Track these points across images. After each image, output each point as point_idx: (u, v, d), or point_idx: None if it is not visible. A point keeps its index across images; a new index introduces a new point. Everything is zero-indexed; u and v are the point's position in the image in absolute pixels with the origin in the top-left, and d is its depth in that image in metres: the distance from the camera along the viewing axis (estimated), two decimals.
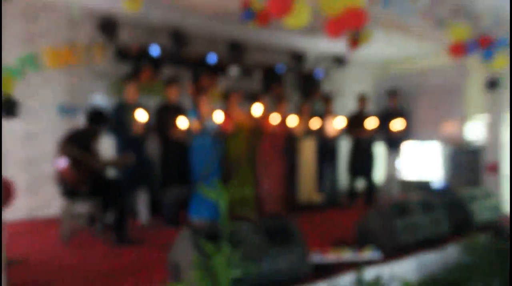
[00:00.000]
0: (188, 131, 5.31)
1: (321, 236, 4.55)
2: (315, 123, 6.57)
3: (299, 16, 3.79)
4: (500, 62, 5.49)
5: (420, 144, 7.95)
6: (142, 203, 5.45)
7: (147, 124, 5.29)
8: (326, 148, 6.84)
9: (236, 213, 2.53)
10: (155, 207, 5.59)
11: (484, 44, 5.35)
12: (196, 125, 5.32)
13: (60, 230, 4.58)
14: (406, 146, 7.54)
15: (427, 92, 7.94)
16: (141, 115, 5.18)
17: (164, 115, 5.41)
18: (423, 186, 7.45)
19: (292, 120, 6.23)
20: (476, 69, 6.99)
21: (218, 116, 5.40)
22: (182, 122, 5.24)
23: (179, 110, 5.47)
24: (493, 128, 6.40)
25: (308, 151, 6.60)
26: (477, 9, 5.57)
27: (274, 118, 5.98)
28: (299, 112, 6.55)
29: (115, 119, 5.26)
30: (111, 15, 6.08)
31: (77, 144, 4.43)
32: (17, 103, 2.10)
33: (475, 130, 7.42)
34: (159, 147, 5.62)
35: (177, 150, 5.43)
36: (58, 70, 5.83)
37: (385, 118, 7.04)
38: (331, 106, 7.06)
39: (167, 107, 5.55)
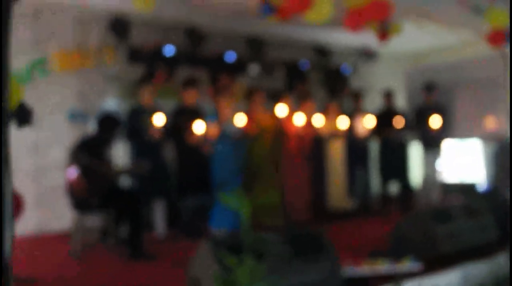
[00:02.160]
0: (206, 136, 5.29)
1: (353, 246, 4.46)
2: (343, 123, 6.51)
3: (321, 10, 3.75)
4: None
5: (461, 142, 7.78)
6: (158, 213, 5.44)
7: (164, 129, 5.30)
8: (357, 149, 6.80)
9: (260, 222, 2.49)
10: (172, 218, 5.57)
11: None
12: (216, 129, 5.32)
13: (70, 245, 4.58)
14: (445, 145, 7.41)
15: (466, 86, 7.79)
16: (158, 120, 5.19)
17: (180, 120, 5.42)
18: (466, 189, 7.28)
19: (319, 120, 6.18)
20: None
21: (240, 119, 5.40)
22: (199, 127, 5.23)
23: (197, 114, 5.46)
24: None
25: (336, 154, 6.57)
26: None
27: (299, 119, 5.94)
28: (325, 112, 6.51)
29: (129, 125, 5.29)
30: (122, 14, 6.10)
31: (89, 152, 4.43)
32: (31, 110, 2.09)
33: None
34: (175, 154, 5.62)
35: (195, 156, 5.42)
36: (68, 75, 5.87)
37: (421, 115, 6.98)
38: (361, 104, 7.02)
39: (183, 110, 5.56)
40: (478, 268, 3.89)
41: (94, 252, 4.69)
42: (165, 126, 5.31)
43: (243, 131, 5.57)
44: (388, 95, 7.07)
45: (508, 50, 6.63)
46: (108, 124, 4.68)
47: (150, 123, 5.23)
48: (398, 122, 6.75)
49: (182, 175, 5.52)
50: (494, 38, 5.24)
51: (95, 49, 6.09)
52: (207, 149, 5.39)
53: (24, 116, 2.17)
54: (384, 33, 5.84)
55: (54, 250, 4.93)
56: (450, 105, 7.54)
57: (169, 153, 5.69)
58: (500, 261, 4.04)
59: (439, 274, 3.65)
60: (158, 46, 6.53)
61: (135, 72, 6.27)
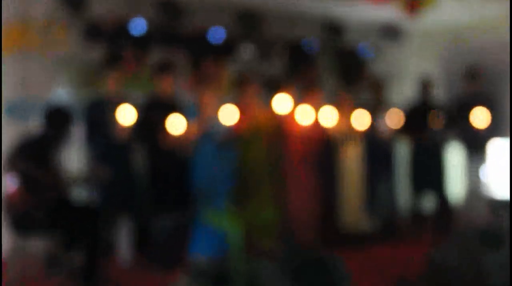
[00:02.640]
0: (185, 136, 5.32)
1: (375, 277, 4.51)
2: (361, 120, 6.52)
3: None
4: None
5: None
6: (123, 235, 5.48)
7: (133, 127, 5.31)
8: (378, 154, 6.83)
9: (254, 245, 2.49)
10: (141, 241, 5.59)
11: None
12: (195, 128, 5.36)
13: (6, 275, 4.50)
14: (494, 147, 7.41)
15: None
16: (127, 114, 5.20)
17: (153, 115, 5.45)
18: None
19: (329, 117, 6.18)
20: None
21: (229, 115, 5.41)
22: (177, 125, 5.23)
23: (174, 108, 5.49)
24: None
25: (352, 159, 6.61)
26: None
27: (304, 114, 5.94)
28: (338, 106, 6.50)
29: (88, 122, 5.34)
30: None
31: (32, 156, 4.43)
32: None
33: None
34: (146, 158, 5.66)
35: (172, 161, 5.47)
36: (6, 57, 5.78)
37: (462, 109, 7.02)
38: (384, 96, 7.06)
39: (157, 103, 5.61)
40: None
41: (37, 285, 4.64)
42: (134, 124, 5.32)
43: (232, 131, 5.58)
44: (426, 85, 7.10)
45: None
46: (58, 121, 4.69)
47: (114, 119, 5.22)
48: (435, 119, 6.78)
49: (154, 185, 5.55)
50: None
51: (41, 23, 6.07)
52: (187, 152, 5.44)
53: None
54: (413, 5, 5.87)
55: None
56: (499, 96, 7.54)
57: (138, 157, 5.71)
58: None
59: None
60: (125, 20, 6.56)
61: (92, 55, 6.27)
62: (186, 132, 5.31)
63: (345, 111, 6.48)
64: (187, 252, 5.32)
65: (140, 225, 5.60)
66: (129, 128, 5.27)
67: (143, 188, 5.63)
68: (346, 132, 6.49)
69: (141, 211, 5.58)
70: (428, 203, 7.20)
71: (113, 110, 5.24)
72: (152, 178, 5.56)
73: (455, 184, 7.50)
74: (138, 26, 6.62)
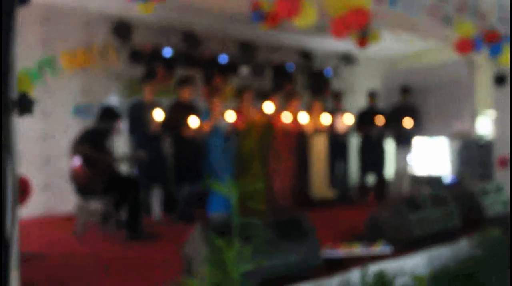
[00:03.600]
0: (200, 130, 5.32)
1: (332, 231, 4.47)
2: (325, 119, 6.52)
3: (307, 16, 3.78)
4: (507, 57, 5.35)
5: (430, 140, 7.83)
6: (155, 199, 5.44)
7: (162, 123, 5.30)
8: (337, 144, 6.79)
9: (246, 207, 2.50)
10: (168, 204, 5.57)
11: (490, 40, 5.23)
12: (207, 125, 5.36)
13: (74, 226, 4.57)
14: (416, 142, 7.45)
15: (436, 88, 7.79)
16: (158, 114, 5.22)
17: (176, 113, 5.41)
18: (434, 181, 7.32)
19: (303, 118, 6.20)
20: (484, 65, 6.85)
21: (230, 116, 5.44)
22: (194, 121, 5.24)
23: (191, 109, 5.47)
24: (503, 122, 6.25)
25: (319, 147, 6.54)
26: (482, 6, 5.47)
27: (286, 116, 5.98)
28: (310, 110, 6.52)
29: (131, 119, 5.31)
30: (125, 18, 6.06)
31: (90, 143, 4.41)
32: (32, 100, 2.07)
33: (485, 125, 7.27)
34: (173, 145, 5.61)
35: (190, 147, 5.43)
36: (74, 72, 5.76)
37: (396, 114, 6.99)
38: (341, 104, 7.02)
39: (179, 105, 5.55)
40: (442, 251, 3.92)
41: (96, 233, 4.66)
42: (163, 120, 5.30)
43: (234, 127, 5.57)
44: (372, 95, 7.07)
45: (474, 57, 6.70)
46: (107, 116, 4.66)
47: (150, 117, 5.24)
48: (379, 120, 6.75)
49: (179, 165, 5.49)
50: (462, 46, 5.25)
51: (99, 49, 5.97)
52: (201, 141, 5.42)
53: (25, 105, 2.15)
54: (363, 40, 5.84)
55: (60, 230, 4.90)
56: (422, 106, 7.56)
57: (167, 144, 5.67)
58: (462, 244, 4.07)
59: (408, 256, 3.67)
60: (157, 47, 6.50)
61: (135, 71, 6.25)
62: (200, 127, 5.30)
63: (315, 114, 6.46)
64: (202, 211, 5.35)
65: (167, 193, 5.56)
66: (159, 123, 5.26)
67: (170, 167, 5.58)
68: (316, 128, 6.45)
69: (169, 183, 5.55)
70: (370, 179, 7.23)
71: (148, 111, 5.26)
72: (176, 159, 5.50)
73: (390, 166, 7.50)
74: (167, 51, 6.55)
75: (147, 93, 5.54)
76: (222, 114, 5.45)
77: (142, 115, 5.30)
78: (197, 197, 5.44)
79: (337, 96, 7.03)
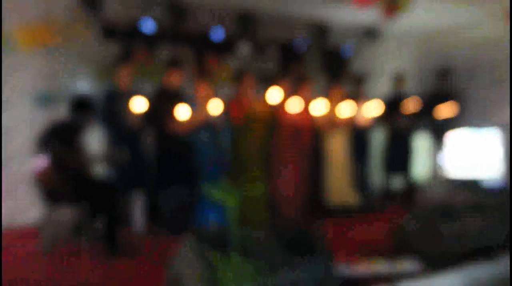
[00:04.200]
0: (190, 124, 5.40)
1: (350, 244, 4.60)
2: (347, 110, 6.59)
3: None
4: None
5: (475, 132, 7.78)
6: (137, 207, 5.53)
7: (144, 114, 5.36)
8: (360, 140, 6.90)
9: (248, 217, 2.59)
10: (152, 212, 5.67)
11: None
12: (198, 116, 5.43)
13: (40, 240, 4.62)
14: (456, 135, 7.50)
15: (485, 70, 7.83)
16: (138, 104, 5.26)
17: (161, 104, 5.48)
18: (475, 185, 7.37)
19: (317, 108, 6.26)
20: None
21: (215, 107, 5.49)
22: (182, 113, 5.32)
23: (179, 98, 5.54)
24: None
25: (338, 144, 6.66)
26: None
27: (295, 105, 6.00)
28: (327, 98, 6.59)
29: (105, 110, 5.34)
30: None
31: (59, 139, 4.49)
32: None
33: None
34: (156, 142, 5.69)
35: (178, 144, 5.52)
36: (33, 52, 5.88)
37: (433, 102, 7.05)
38: (364, 90, 7.09)
39: (165, 93, 5.61)
40: (482, 270, 4.05)
41: (66, 248, 4.69)
42: (144, 112, 5.37)
43: (229, 118, 5.68)
44: (399, 80, 7.14)
45: None
46: (81, 108, 4.73)
47: (128, 108, 5.28)
48: (408, 108, 6.80)
49: (163, 165, 5.57)
50: None
51: (64, 23, 6.07)
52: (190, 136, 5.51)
53: None
54: (390, 8, 5.88)
55: (22, 245, 4.96)
56: (465, 92, 7.59)
57: (149, 140, 5.75)
58: (505, 264, 4.20)
59: (440, 275, 3.80)
60: (136, 21, 6.55)
61: (110, 51, 6.31)
62: (190, 119, 5.35)
63: (333, 103, 6.52)
64: (191, 220, 5.41)
65: (151, 199, 5.61)
66: (140, 115, 5.30)
67: (153, 167, 5.64)
68: (334, 121, 6.51)
69: (151, 186, 5.61)
70: (397, 182, 7.28)
71: (127, 100, 5.28)
72: (161, 158, 5.56)
73: (421, 166, 7.53)
74: (148, 25, 6.58)
75: (123, 78, 5.56)
76: (215, 103, 5.51)
77: (118, 105, 5.35)
78: (186, 203, 5.53)
79: (359, 81, 7.10)
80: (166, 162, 5.57)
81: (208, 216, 5.40)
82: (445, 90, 7.27)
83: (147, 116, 5.45)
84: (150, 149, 5.75)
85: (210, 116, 5.51)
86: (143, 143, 5.68)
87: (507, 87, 7.42)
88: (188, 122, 5.40)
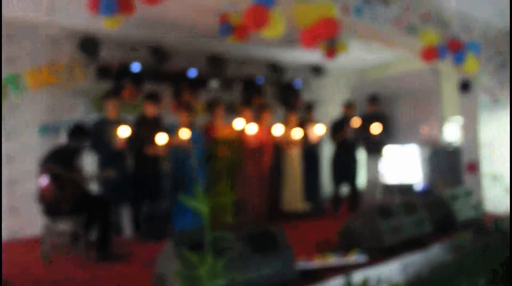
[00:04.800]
0: (166, 146, 5.29)
1: (306, 243, 4.48)
2: (299, 132, 6.53)
3: (275, 27, 3.82)
4: (470, 65, 5.50)
5: (400, 148, 7.94)
6: (126, 217, 5.36)
7: (128, 139, 5.22)
8: (311, 155, 6.78)
9: (217, 221, 2.46)
10: (137, 222, 5.47)
11: (454, 49, 5.37)
12: (177, 139, 5.34)
13: (41, 249, 4.44)
14: (387, 150, 7.53)
15: (404, 97, 7.93)
16: (123, 131, 5.13)
17: (140, 129, 5.36)
18: (405, 189, 7.42)
19: (277, 130, 6.22)
20: (449, 73, 7.03)
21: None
22: (161, 138, 5.20)
23: (156, 124, 5.45)
24: (469, 128, 6.42)
25: (293, 160, 6.54)
26: (445, 15, 5.63)
27: (251, 129, 5.93)
28: (285, 123, 6.55)
29: (95, 136, 5.16)
30: (91, 34, 5.99)
31: (59, 161, 4.34)
32: None
33: (452, 132, 7.44)
34: (132, 161, 5.52)
35: (149, 163, 5.40)
36: (39, 90, 5.70)
37: (365, 123, 7.02)
38: (313, 115, 7.03)
39: (144, 120, 5.50)
40: (415, 258, 3.98)
41: (64, 255, 4.55)
42: (128, 137, 5.23)
43: (203, 141, 5.58)
44: (349, 105, 7.10)
45: (440, 65, 6.86)
46: (78, 134, 4.57)
47: (114, 134, 5.15)
48: (356, 122, 6.79)
49: (138, 182, 5.39)
50: (427, 54, 5.37)
51: (65, 66, 5.94)
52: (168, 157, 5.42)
53: None
54: (331, 51, 5.90)
55: (27, 254, 4.77)
56: (391, 115, 7.65)
57: (131, 161, 5.59)
58: (434, 250, 4.14)
59: (383, 264, 3.71)
60: (125, 63, 6.45)
61: (103, 88, 6.16)
62: (167, 143, 5.25)
63: (290, 126, 6.49)
64: (169, 227, 5.29)
65: (135, 210, 5.44)
66: (124, 140, 5.16)
67: (136, 183, 5.43)
68: (290, 141, 6.45)
69: (134, 200, 5.43)
70: (344, 189, 7.19)
71: (112, 128, 5.18)
72: (135, 176, 5.40)
73: (362, 175, 7.53)
74: (135, 67, 6.50)
75: (110, 110, 5.43)
76: (191, 128, 5.44)
77: (106, 132, 5.20)
78: (160, 213, 5.40)
79: (310, 108, 7.04)
80: (139, 179, 5.40)
81: (184, 223, 5.22)
82: (377, 114, 7.23)
83: (129, 140, 5.26)
84: (133, 168, 5.54)
85: (185, 139, 5.35)
86: (126, 163, 5.49)
87: (423, 111, 7.54)
88: (165, 145, 5.28)
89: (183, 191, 5.25)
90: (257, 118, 6.21)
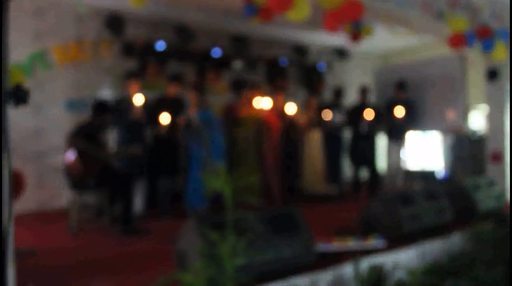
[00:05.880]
0: (175, 126, 5.27)
1: (326, 225, 4.48)
2: (320, 114, 6.50)
3: (300, 10, 3.79)
4: (499, 53, 5.40)
5: (423, 134, 7.83)
6: (139, 193, 5.35)
7: (147, 115, 5.22)
8: (333, 139, 6.74)
9: (240, 201, 2.48)
10: (153, 199, 5.54)
11: (482, 36, 5.26)
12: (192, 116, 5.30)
13: (68, 221, 4.54)
14: (410, 136, 7.44)
15: (429, 83, 7.81)
16: (138, 99, 5.12)
17: (158, 108, 5.35)
18: (427, 176, 7.35)
19: (291, 108, 6.15)
20: (477, 60, 6.89)
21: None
22: (164, 118, 5.20)
23: (177, 104, 5.47)
24: (495, 117, 6.31)
25: (314, 142, 6.53)
26: (475, 1, 5.51)
27: (266, 103, 5.85)
28: (306, 105, 6.52)
29: (116, 112, 5.20)
30: (117, 11, 6.04)
31: (84, 137, 4.42)
32: (27, 91, 2.06)
33: (477, 120, 7.32)
34: (152, 139, 5.56)
35: (166, 141, 5.41)
36: (66, 66, 5.77)
37: (391, 108, 6.96)
38: (339, 99, 6.96)
39: (164, 100, 5.53)
40: (434, 246, 3.96)
41: (90, 228, 4.65)
42: (147, 113, 5.22)
43: (226, 121, 5.57)
44: (364, 91, 7.00)
45: (467, 52, 6.73)
46: (101, 110, 4.63)
47: (134, 111, 5.14)
48: (369, 114, 6.71)
49: (153, 158, 5.40)
50: (455, 41, 5.28)
51: (92, 43, 6.01)
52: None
53: (20, 96, 2.15)
54: (356, 35, 5.86)
55: (53, 225, 4.89)
56: (415, 101, 7.54)
57: (149, 138, 5.60)
58: (453, 239, 4.12)
59: (400, 250, 3.71)
60: (150, 41, 6.47)
61: (128, 65, 6.20)
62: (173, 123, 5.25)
63: (310, 110, 6.47)
64: (182, 205, 5.28)
65: (151, 186, 5.50)
66: (142, 110, 5.12)
67: (151, 159, 5.43)
68: (311, 123, 6.45)
69: (150, 176, 5.47)
70: (364, 173, 7.16)
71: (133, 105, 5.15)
72: (152, 153, 5.39)
73: (383, 160, 7.46)
74: (160, 45, 6.53)
75: (132, 89, 5.36)
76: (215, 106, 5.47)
77: (127, 109, 5.19)
78: (175, 191, 5.46)
79: (339, 92, 6.96)
80: (156, 155, 5.40)
81: (195, 201, 5.17)
82: (401, 100, 7.14)
83: (148, 116, 5.27)
84: (153, 145, 5.55)
85: (209, 117, 5.34)
86: (144, 140, 5.47)
87: (447, 98, 7.42)
88: (186, 122, 5.27)
89: (190, 170, 5.23)
90: (280, 100, 6.18)
